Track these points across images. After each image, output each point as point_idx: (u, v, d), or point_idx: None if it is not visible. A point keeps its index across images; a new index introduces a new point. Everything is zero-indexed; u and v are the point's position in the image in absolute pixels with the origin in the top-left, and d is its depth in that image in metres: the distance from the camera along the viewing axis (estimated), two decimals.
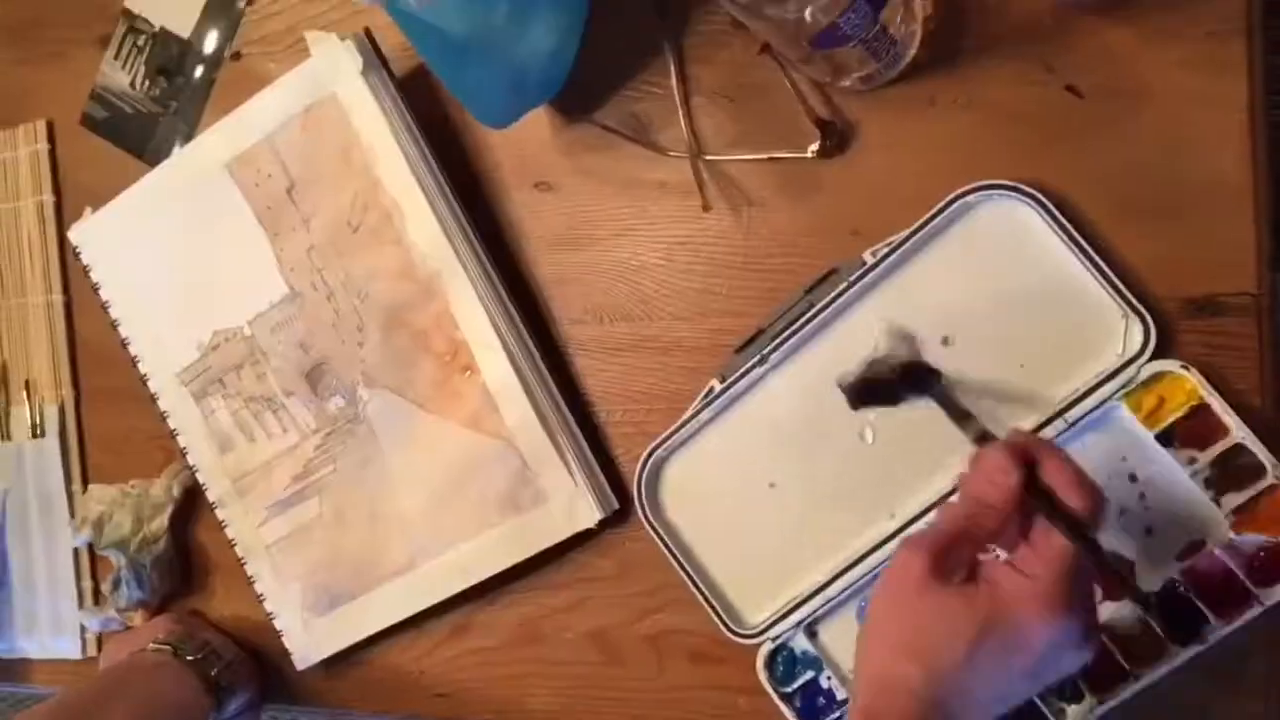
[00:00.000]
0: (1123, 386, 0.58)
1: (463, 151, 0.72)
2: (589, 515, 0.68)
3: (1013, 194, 0.59)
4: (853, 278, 0.62)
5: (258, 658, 0.80)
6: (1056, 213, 0.58)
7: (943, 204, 0.60)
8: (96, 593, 0.84)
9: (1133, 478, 0.59)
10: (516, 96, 0.66)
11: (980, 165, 0.60)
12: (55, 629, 0.85)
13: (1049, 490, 0.49)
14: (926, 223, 0.60)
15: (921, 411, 0.62)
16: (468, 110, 0.65)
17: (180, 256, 0.75)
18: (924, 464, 0.63)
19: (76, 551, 0.84)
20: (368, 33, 0.70)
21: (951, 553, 0.50)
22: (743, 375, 0.65)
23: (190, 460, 0.77)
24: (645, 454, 0.67)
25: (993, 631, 0.48)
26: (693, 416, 0.66)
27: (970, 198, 0.60)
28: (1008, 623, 0.48)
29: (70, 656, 0.85)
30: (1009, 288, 0.60)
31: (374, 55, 0.69)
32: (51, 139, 0.85)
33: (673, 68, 0.66)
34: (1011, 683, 0.49)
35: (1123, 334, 0.58)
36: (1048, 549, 0.49)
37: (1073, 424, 0.59)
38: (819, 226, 0.64)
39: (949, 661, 0.48)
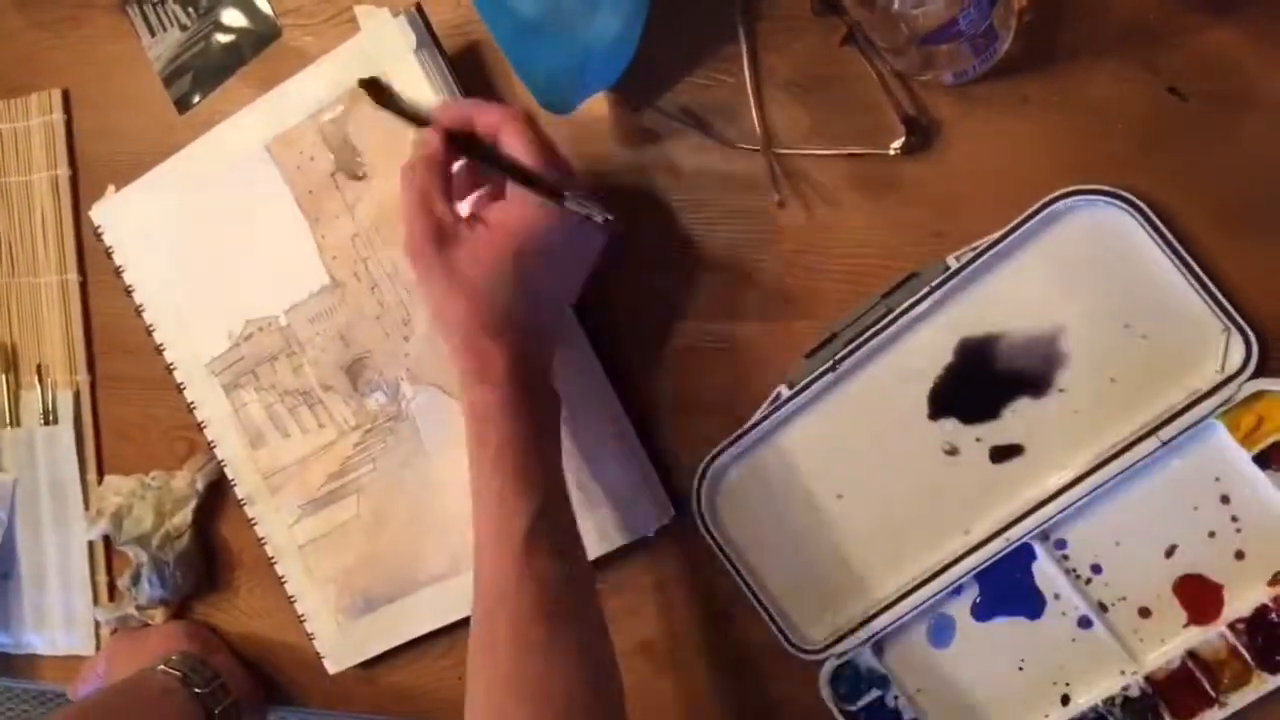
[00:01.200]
0: (1221, 405, 0.56)
1: None
2: (644, 523, 0.65)
3: (1111, 200, 0.56)
4: (935, 283, 0.59)
5: (269, 681, 0.77)
6: (1157, 221, 0.55)
7: (1035, 208, 0.57)
8: (112, 588, 0.80)
9: (1225, 499, 0.57)
10: (580, 82, 0.62)
11: (1073, 168, 0.57)
12: (67, 625, 0.81)
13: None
14: (1016, 227, 0.58)
15: (999, 423, 0.60)
16: (533, 95, 0.62)
17: (212, 240, 0.71)
18: (1000, 479, 0.60)
19: (91, 545, 0.80)
20: (419, 8, 0.66)
21: (434, 218, 0.57)
22: (813, 381, 0.62)
23: (219, 454, 0.73)
24: (705, 460, 0.64)
25: (513, 250, 0.57)
26: (758, 423, 0.63)
27: (1065, 202, 0.57)
28: (513, 238, 0.57)
29: (83, 653, 0.81)
30: (1101, 298, 0.58)
31: (426, 32, 0.65)
32: (67, 109, 0.80)
33: (745, 56, 0.63)
34: (554, 275, 0.60)
35: (1223, 350, 0.56)
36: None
37: (1166, 442, 0.56)
38: (899, 228, 0.61)
39: (499, 298, 0.57)
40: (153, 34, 0.77)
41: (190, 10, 0.75)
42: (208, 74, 0.75)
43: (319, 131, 0.68)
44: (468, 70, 0.68)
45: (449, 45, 0.67)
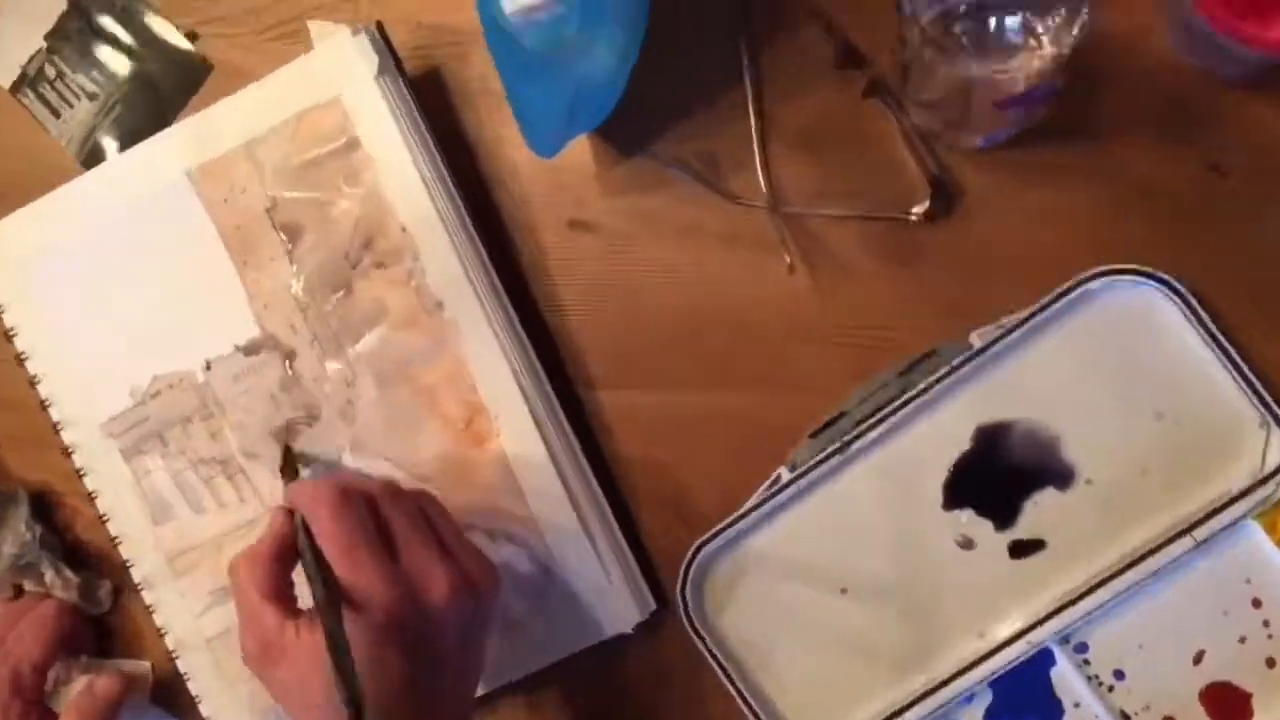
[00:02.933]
0: (1258, 504, 0.52)
1: (483, 178, 0.60)
2: (624, 619, 0.58)
3: (1147, 281, 0.52)
4: (956, 362, 0.54)
5: None
6: (1196, 305, 0.52)
7: (1066, 286, 0.53)
8: None
9: (1257, 603, 0.53)
10: (567, 122, 0.55)
11: (1105, 244, 0.53)
12: None
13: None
14: (1045, 306, 0.53)
15: (1019, 516, 0.55)
16: (524, 135, 0.54)
17: (116, 281, 0.60)
18: (1020, 576, 0.55)
19: None
20: (380, 28, 0.58)
21: (256, 629, 0.49)
22: (818, 464, 0.56)
23: (113, 530, 0.62)
24: (693, 548, 0.57)
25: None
26: (754, 508, 0.57)
27: (1099, 282, 0.53)
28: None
29: None
30: (1134, 386, 0.54)
31: (389, 55, 0.57)
32: None
33: (750, 105, 0.57)
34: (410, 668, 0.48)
35: (1262, 446, 0.52)
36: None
37: (1201, 543, 0.53)
38: (916, 300, 0.56)
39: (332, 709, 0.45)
40: (58, 116, 0.65)
41: (95, 74, 0.64)
42: (136, 139, 0.62)
43: (253, 162, 0.58)
44: (428, 98, 0.60)
45: (409, 69, 0.59)
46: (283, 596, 0.50)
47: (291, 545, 0.50)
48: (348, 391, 0.59)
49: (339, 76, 0.56)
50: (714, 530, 0.57)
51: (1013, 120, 0.50)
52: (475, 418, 0.58)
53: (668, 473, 0.59)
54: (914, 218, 0.55)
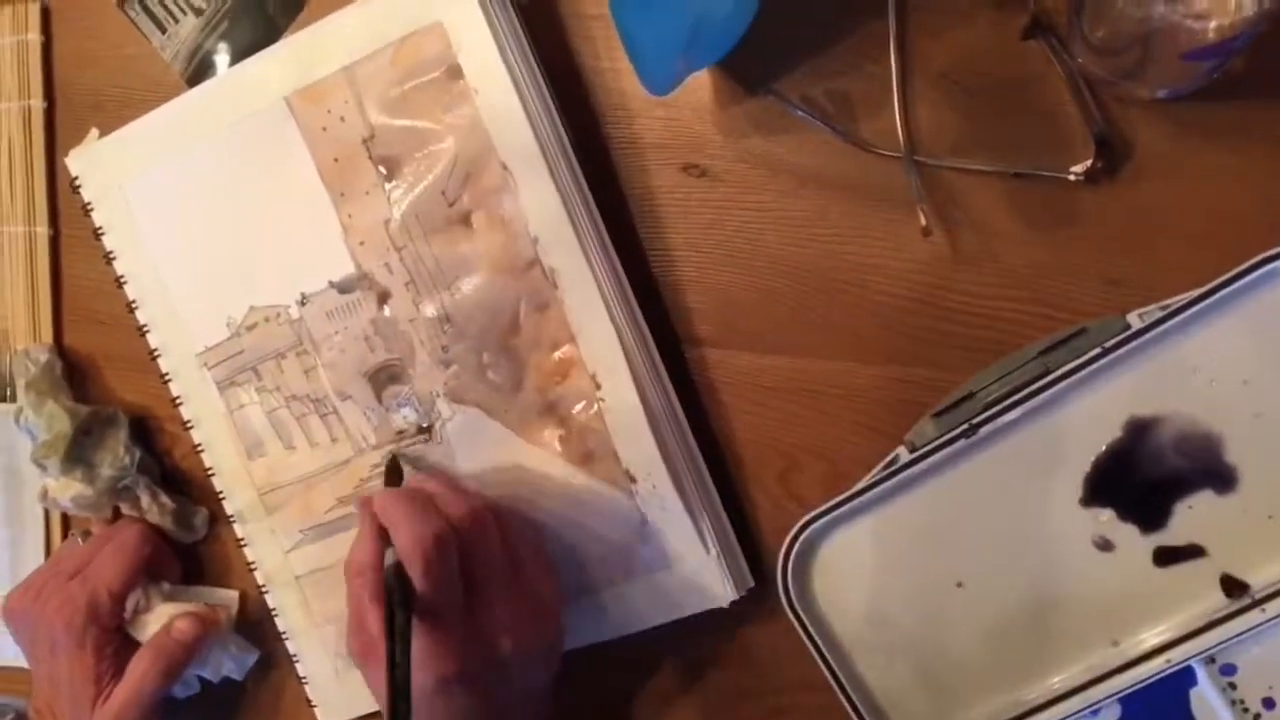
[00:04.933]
0: None
1: (593, 114, 0.56)
2: (719, 593, 0.54)
3: None
4: (1109, 343, 0.48)
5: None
6: None
7: (1248, 265, 0.46)
8: None
9: None
10: (688, 54, 0.50)
11: None
12: None
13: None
14: (1221, 286, 0.47)
15: (1168, 519, 0.49)
16: (636, 70, 0.50)
17: (214, 208, 0.59)
18: (1164, 585, 0.50)
19: (49, 546, 0.68)
20: None
21: (366, 634, 0.49)
22: (941, 446, 0.51)
23: (207, 461, 0.62)
24: (799, 526, 0.53)
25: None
26: (867, 488, 0.52)
27: None
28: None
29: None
30: None
31: None
32: (46, 29, 0.67)
33: (892, 38, 0.51)
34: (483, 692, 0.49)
35: None
36: None
37: None
38: (1067, 271, 0.50)
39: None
40: (163, 30, 0.62)
41: None
42: (244, 56, 0.59)
43: (353, 87, 0.55)
44: (537, 23, 0.55)
45: None
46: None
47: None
48: (442, 337, 0.56)
49: None
50: (822, 508, 0.53)
51: (1200, 73, 0.43)
52: (572, 372, 0.54)
53: (776, 443, 0.55)
54: (1073, 177, 0.49)
